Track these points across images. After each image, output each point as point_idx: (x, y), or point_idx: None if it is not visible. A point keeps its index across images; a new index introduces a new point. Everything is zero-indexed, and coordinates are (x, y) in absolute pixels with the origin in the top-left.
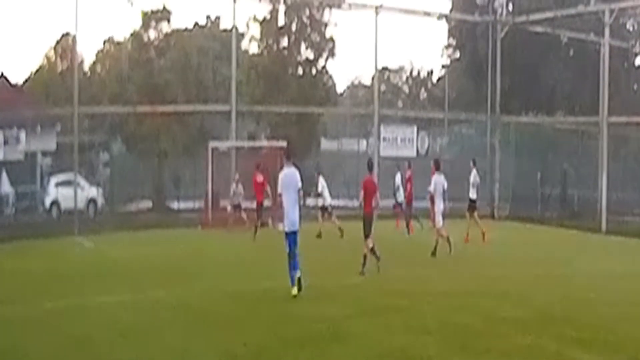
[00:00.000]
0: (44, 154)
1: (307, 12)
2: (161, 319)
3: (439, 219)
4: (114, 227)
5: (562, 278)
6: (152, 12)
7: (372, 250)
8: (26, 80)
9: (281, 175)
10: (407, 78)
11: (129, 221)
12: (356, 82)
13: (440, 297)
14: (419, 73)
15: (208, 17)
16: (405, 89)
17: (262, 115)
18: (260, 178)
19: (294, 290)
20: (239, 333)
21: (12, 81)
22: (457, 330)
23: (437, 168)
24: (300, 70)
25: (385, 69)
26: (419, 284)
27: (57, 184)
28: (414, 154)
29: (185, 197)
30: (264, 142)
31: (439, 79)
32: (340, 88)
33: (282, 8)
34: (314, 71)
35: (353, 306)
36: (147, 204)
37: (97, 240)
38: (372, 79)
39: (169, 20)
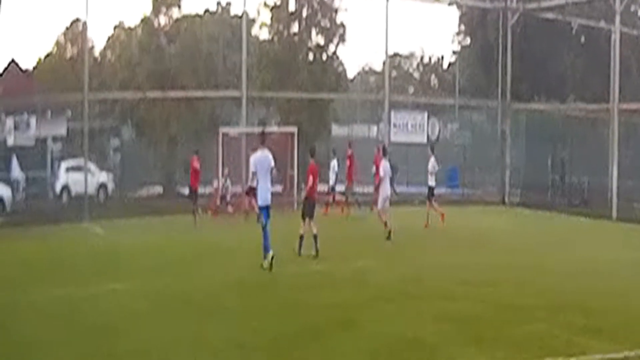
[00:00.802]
0: (55, 139)
1: None
2: (171, 306)
3: (382, 203)
4: (124, 213)
5: (572, 265)
6: None
7: (315, 237)
8: (36, 66)
9: (255, 156)
10: (417, 64)
11: (139, 207)
12: (367, 68)
13: (450, 284)
14: (429, 59)
15: (218, 3)
16: (416, 75)
17: (273, 101)
18: (196, 164)
19: (265, 263)
20: (248, 321)
21: (23, 67)
22: (467, 318)
23: (384, 154)
24: (310, 56)
25: (396, 54)
26: (429, 271)
27: (68, 169)
28: (425, 139)
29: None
30: (274, 128)
31: (449, 65)
32: (350, 74)
33: None
34: (324, 57)
35: (363, 293)
36: (157, 189)
37: (107, 226)
38: (383, 65)
39: (179, 6)
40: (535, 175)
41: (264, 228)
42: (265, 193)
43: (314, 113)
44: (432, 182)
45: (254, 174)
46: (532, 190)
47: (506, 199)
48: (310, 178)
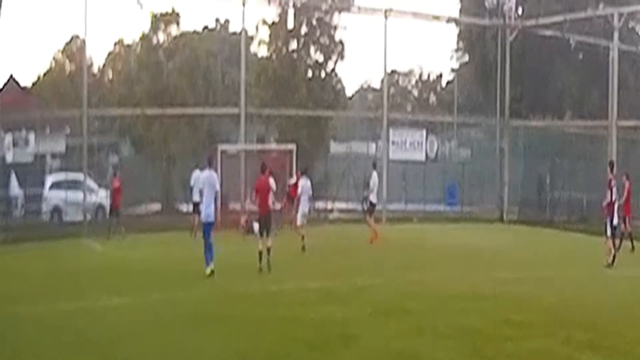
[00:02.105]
0: (54, 156)
1: (316, 15)
2: (170, 321)
3: (300, 219)
4: (123, 230)
5: (570, 281)
6: (162, 14)
7: (268, 250)
8: (35, 83)
9: (202, 175)
10: (416, 81)
11: (137, 224)
12: (365, 86)
13: (450, 300)
14: (428, 76)
15: (217, 20)
16: (415, 92)
17: (271, 118)
18: (117, 183)
19: (208, 270)
20: (248, 335)
21: (22, 83)
22: (467, 333)
23: (304, 173)
24: (309, 74)
25: (394, 72)
26: (428, 287)
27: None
28: (423, 157)
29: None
30: (272, 145)
31: (448, 83)
32: (349, 91)
33: (291, 11)
34: (323, 74)
35: (363, 309)
36: (156, 206)
37: (106, 242)
38: (382, 82)
39: (178, 23)
40: (534, 192)
41: (205, 242)
42: (208, 210)
43: (313, 130)
44: (373, 198)
45: (199, 189)
46: (531, 207)
47: (504, 216)
48: (255, 194)
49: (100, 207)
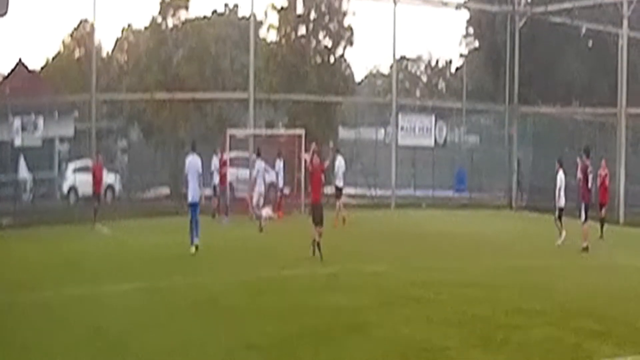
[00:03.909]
0: (62, 140)
1: (325, 0)
2: (178, 307)
3: (256, 198)
4: (132, 214)
5: (580, 269)
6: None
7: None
8: (44, 67)
9: (187, 160)
10: (425, 67)
11: (146, 208)
12: (374, 71)
13: (459, 288)
14: (437, 63)
15: (226, 5)
16: (424, 78)
17: (280, 103)
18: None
19: (192, 250)
20: (257, 322)
21: (30, 67)
22: (476, 321)
23: (258, 155)
24: (318, 59)
25: (403, 58)
26: (436, 275)
27: (75, 170)
28: (432, 143)
29: (203, 184)
30: (281, 130)
31: (457, 69)
32: (358, 77)
33: None
34: (332, 60)
35: (373, 296)
36: (164, 191)
37: (115, 227)
38: (390, 68)
39: (187, 8)
40: (542, 179)
41: (192, 220)
42: (194, 192)
43: (322, 116)
44: (340, 182)
45: (184, 174)
46: (539, 194)
47: (513, 203)
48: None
49: (109, 187)
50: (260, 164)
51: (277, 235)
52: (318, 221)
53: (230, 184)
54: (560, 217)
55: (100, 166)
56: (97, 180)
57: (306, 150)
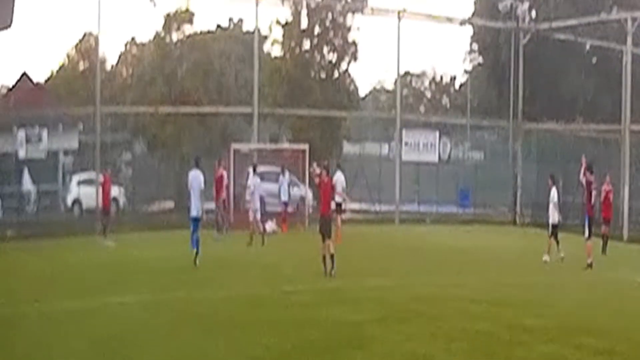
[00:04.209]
0: (66, 152)
1: (330, 16)
2: (182, 320)
3: (252, 215)
4: (136, 227)
5: (583, 286)
6: (175, 13)
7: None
8: (48, 79)
9: (189, 175)
10: (429, 83)
11: (150, 221)
12: (378, 87)
13: (462, 303)
14: (441, 78)
15: (230, 19)
16: (428, 94)
17: (284, 118)
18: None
19: (198, 262)
20: (260, 336)
21: (35, 80)
22: (480, 338)
23: (254, 171)
24: (322, 74)
25: (407, 73)
26: (440, 290)
27: (79, 183)
28: (436, 159)
29: (207, 198)
30: (285, 145)
31: (461, 85)
32: (362, 92)
33: (304, 11)
34: (336, 75)
35: (375, 311)
36: (169, 204)
37: (119, 240)
38: (395, 83)
39: (191, 22)
40: (546, 195)
41: (192, 235)
42: (195, 206)
43: (326, 130)
44: (338, 198)
45: (189, 188)
46: (543, 210)
47: (517, 219)
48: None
49: (113, 200)
50: (256, 180)
51: (281, 249)
52: (326, 235)
53: (262, 198)
54: (555, 234)
55: (108, 180)
56: (105, 194)
57: (317, 165)
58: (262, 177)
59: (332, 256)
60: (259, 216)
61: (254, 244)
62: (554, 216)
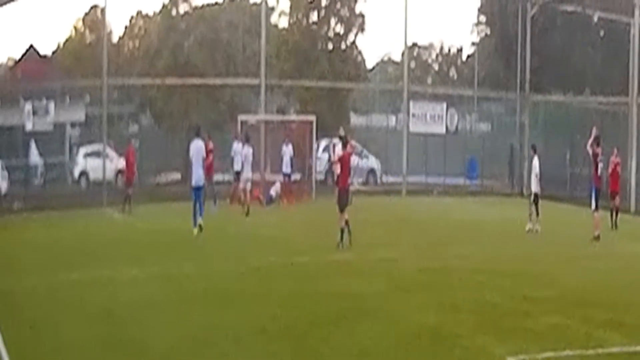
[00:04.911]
0: (73, 125)
1: None
2: (190, 293)
3: (243, 183)
4: (143, 199)
5: (591, 259)
6: None
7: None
8: (55, 52)
9: (191, 145)
10: (436, 55)
11: (157, 193)
12: (386, 59)
13: (469, 275)
14: (449, 50)
15: None
16: (435, 65)
17: (292, 89)
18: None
19: (195, 231)
20: (267, 308)
21: (41, 52)
22: (487, 309)
23: (247, 141)
24: (329, 45)
25: (415, 45)
26: (447, 262)
27: (86, 155)
28: (443, 130)
29: (215, 170)
30: (293, 116)
31: (468, 57)
32: (370, 64)
33: None
34: (343, 46)
35: (384, 283)
36: (176, 176)
37: (126, 211)
38: (402, 55)
39: None
40: (554, 167)
41: (195, 204)
42: (197, 175)
43: (333, 102)
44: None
45: (189, 159)
46: (550, 182)
47: (524, 191)
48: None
49: (120, 172)
50: (248, 150)
51: (287, 221)
52: (343, 207)
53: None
54: (535, 202)
55: (132, 151)
56: (130, 166)
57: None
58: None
59: (346, 222)
60: (249, 186)
61: (251, 214)
62: (535, 186)
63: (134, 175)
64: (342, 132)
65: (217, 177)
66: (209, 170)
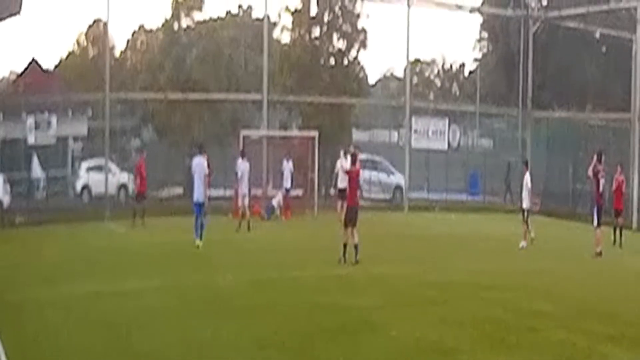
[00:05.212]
0: (75, 138)
1: (339, 2)
2: (192, 305)
3: (241, 200)
4: (145, 213)
5: (592, 274)
6: (184, 0)
7: (355, 246)
8: (57, 65)
9: (194, 161)
10: (438, 71)
11: (159, 207)
12: (388, 74)
13: (472, 290)
14: (451, 66)
15: (240, 6)
16: (437, 81)
17: (294, 105)
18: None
19: (197, 242)
20: (269, 321)
21: (44, 66)
22: (489, 323)
23: (242, 156)
24: (332, 61)
25: (417, 61)
26: (450, 276)
27: (89, 169)
28: (445, 146)
29: (216, 185)
30: (295, 132)
31: (470, 73)
32: (372, 79)
33: None
34: (345, 62)
35: (385, 297)
36: (178, 190)
37: (128, 225)
38: (404, 70)
39: (200, 9)
40: (557, 184)
41: (196, 218)
42: (199, 191)
43: (335, 117)
44: (342, 184)
45: (193, 174)
46: (553, 198)
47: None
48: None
49: (122, 186)
50: (245, 165)
51: (288, 235)
52: (351, 224)
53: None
54: (526, 220)
55: (143, 164)
56: (141, 178)
57: (344, 154)
58: (363, 165)
59: (355, 246)
60: (247, 202)
61: (242, 230)
62: (526, 201)
63: (146, 188)
64: (352, 149)
65: (219, 192)
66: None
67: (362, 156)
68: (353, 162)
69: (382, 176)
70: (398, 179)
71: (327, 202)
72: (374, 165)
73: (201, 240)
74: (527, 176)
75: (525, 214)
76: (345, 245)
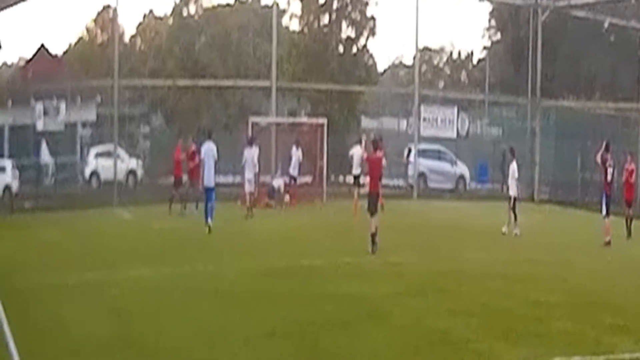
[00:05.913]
0: (84, 125)
1: None
2: (200, 293)
3: (248, 186)
4: (153, 199)
5: (601, 264)
6: None
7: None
8: (66, 52)
9: (204, 147)
10: (447, 59)
11: (168, 193)
12: (397, 62)
13: (481, 280)
14: (459, 54)
15: None
16: (446, 69)
17: (303, 92)
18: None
19: (209, 222)
20: (277, 310)
21: (53, 52)
22: (497, 313)
23: (250, 143)
24: (340, 49)
25: (426, 49)
26: (459, 266)
27: (97, 155)
28: (454, 134)
29: (225, 172)
30: (304, 119)
31: (479, 61)
32: (381, 67)
33: None
34: (354, 50)
35: (394, 286)
36: (186, 177)
37: (136, 212)
38: (413, 59)
39: None
40: (565, 173)
41: (206, 204)
42: (209, 177)
43: (344, 105)
44: (357, 171)
45: (201, 160)
46: (561, 187)
47: (535, 196)
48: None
49: (131, 172)
50: (252, 152)
51: (296, 223)
52: (373, 212)
53: (424, 174)
54: (514, 207)
55: (180, 150)
56: (177, 164)
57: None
58: (423, 154)
59: (372, 235)
60: (253, 188)
61: (261, 216)
62: (513, 189)
63: (181, 175)
64: (373, 136)
65: (228, 179)
66: (192, 173)
67: (422, 146)
68: (375, 149)
69: (446, 166)
70: (461, 169)
71: (336, 189)
72: (438, 155)
73: (209, 225)
74: (514, 164)
75: (512, 201)
76: (373, 235)
